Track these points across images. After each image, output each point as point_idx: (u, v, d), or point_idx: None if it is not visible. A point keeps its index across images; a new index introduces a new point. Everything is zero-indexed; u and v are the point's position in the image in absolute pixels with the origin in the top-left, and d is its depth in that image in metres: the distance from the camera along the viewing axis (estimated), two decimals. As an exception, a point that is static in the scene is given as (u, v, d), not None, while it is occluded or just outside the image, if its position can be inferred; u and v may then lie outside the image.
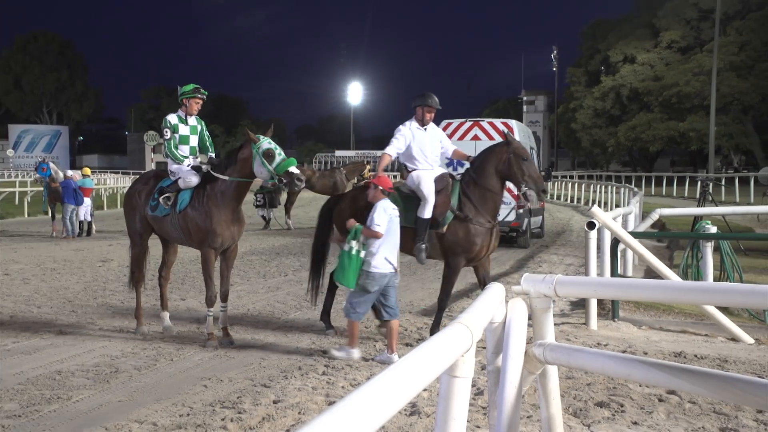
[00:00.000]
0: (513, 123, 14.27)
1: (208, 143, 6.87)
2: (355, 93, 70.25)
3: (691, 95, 43.40)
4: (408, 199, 6.55)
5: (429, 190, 6.47)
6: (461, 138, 14.03)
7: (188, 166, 6.57)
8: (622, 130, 48.52)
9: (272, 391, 5.05)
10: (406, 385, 1.79)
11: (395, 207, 5.94)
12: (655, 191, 32.64)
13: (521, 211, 13.61)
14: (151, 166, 34.39)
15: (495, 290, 2.99)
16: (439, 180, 6.63)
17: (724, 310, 6.67)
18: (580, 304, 7.71)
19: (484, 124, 14.12)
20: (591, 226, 7.18)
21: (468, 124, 14.09)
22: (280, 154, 5.99)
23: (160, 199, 6.48)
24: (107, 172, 53.76)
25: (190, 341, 6.57)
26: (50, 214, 17.13)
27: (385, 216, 5.75)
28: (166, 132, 6.64)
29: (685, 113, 44.65)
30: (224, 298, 6.53)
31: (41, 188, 18.61)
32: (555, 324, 4.67)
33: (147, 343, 6.48)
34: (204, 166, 6.53)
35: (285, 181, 5.92)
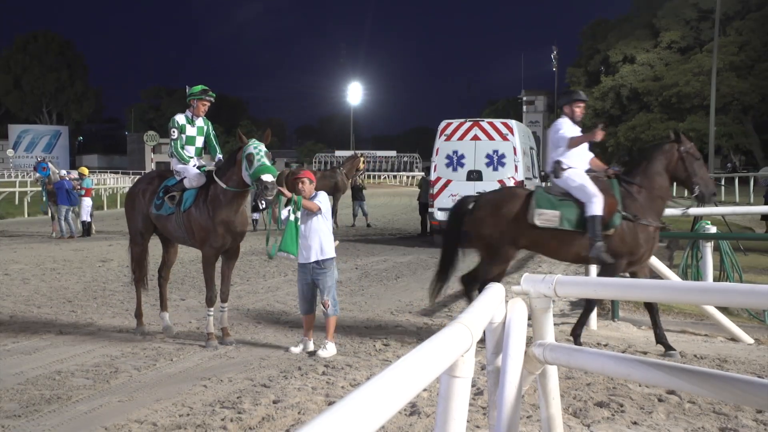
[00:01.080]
0: (513, 123, 14.27)
1: (215, 144, 6.84)
2: (355, 93, 70.28)
3: (691, 95, 43.40)
4: (565, 203, 6.10)
5: (593, 187, 6.02)
6: (461, 138, 14.04)
7: (193, 166, 6.56)
8: (621, 130, 48.52)
9: (272, 391, 5.04)
10: (406, 385, 1.78)
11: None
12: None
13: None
14: (151, 166, 34.42)
15: (495, 290, 2.99)
16: (595, 179, 6.20)
17: (723, 310, 6.67)
18: (580, 304, 7.71)
19: (484, 124, 14.12)
20: (591, 226, 7.16)
21: (468, 124, 14.09)
22: (259, 160, 5.88)
23: (166, 198, 6.47)
24: (107, 172, 53.76)
25: (190, 341, 6.57)
26: (50, 215, 17.14)
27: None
28: (173, 132, 6.61)
29: (685, 113, 44.66)
30: (224, 299, 6.53)
31: (41, 188, 18.60)
32: (555, 324, 4.67)
33: (147, 343, 6.48)
34: (208, 168, 6.53)
35: (259, 186, 5.80)
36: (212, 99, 6.70)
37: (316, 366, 5.72)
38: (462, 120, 14.20)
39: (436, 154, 14.19)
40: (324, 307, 6.06)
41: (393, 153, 73.25)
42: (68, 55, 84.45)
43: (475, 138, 13.93)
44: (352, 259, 12.36)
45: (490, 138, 13.87)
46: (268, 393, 4.99)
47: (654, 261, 6.95)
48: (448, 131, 14.17)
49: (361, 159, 19.12)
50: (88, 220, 16.54)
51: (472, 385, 4.22)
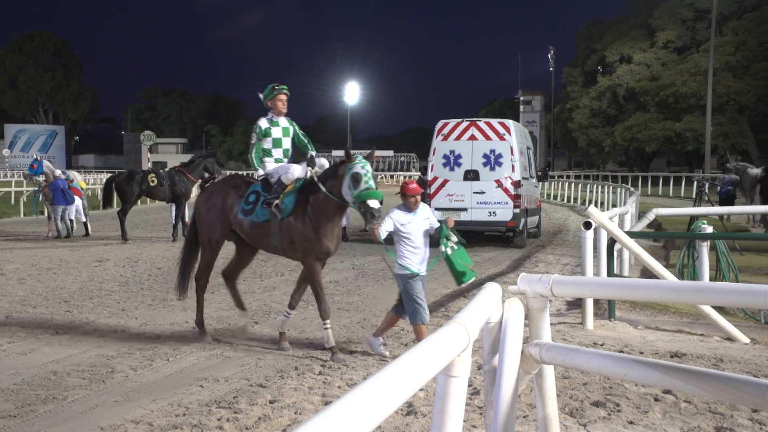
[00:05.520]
0: (510, 123, 14.27)
1: (305, 141, 6.54)
2: (352, 93, 70.31)
3: (687, 95, 43.44)
4: None
5: None
6: (458, 138, 14.04)
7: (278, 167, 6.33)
8: (618, 130, 48.55)
9: (268, 391, 5.04)
10: (403, 385, 1.79)
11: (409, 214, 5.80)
12: (651, 191, 32.72)
13: (517, 210, 13.63)
14: (147, 165, 34.31)
15: (491, 290, 2.99)
16: None
17: (719, 309, 6.68)
18: (577, 304, 7.72)
19: (481, 124, 14.13)
20: (587, 225, 7.18)
21: (465, 124, 14.09)
22: (366, 182, 5.57)
23: (260, 204, 6.18)
24: (103, 172, 53.65)
25: (186, 341, 6.56)
26: (46, 214, 17.09)
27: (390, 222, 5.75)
28: (252, 137, 6.45)
29: (682, 113, 44.69)
30: (293, 306, 6.36)
31: (36, 188, 18.53)
32: (551, 324, 4.67)
33: (143, 343, 6.46)
34: (308, 171, 6.24)
35: (362, 210, 5.58)
36: (286, 92, 6.45)
37: (312, 366, 5.71)
38: (459, 120, 14.20)
39: (433, 154, 14.19)
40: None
41: (390, 153, 73.23)
42: (64, 55, 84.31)
43: (472, 138, 13.93)
44: (348, 259, 12.35)
45: (487, 138, 13.88)
46: (265, 393, 4.98)
47: (650, 260, 6.97)
48: (445, 131, 14.17)
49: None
50: (83, 219, 16.52)
51: (469, 385, 4.23)
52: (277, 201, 6.07)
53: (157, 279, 10.26)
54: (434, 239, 5.85)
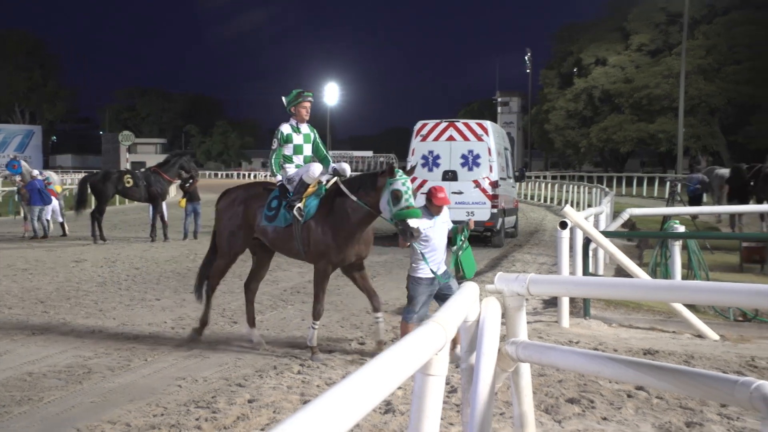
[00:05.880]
0: (488, 124, 14.40)
1: (324, 151, 6.41)
2: (331, 93, 70.35)
3: (661, 97, 44.20)
4: None
5: None
6: (437, 139, 14.13)
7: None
8: (594, 131, 49.20)
9: (247, 390, 5.05)
10: (381, 384, 1.81)
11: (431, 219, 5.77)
12: (625, 191, 33.22)
13: (495, 211, 13.76)
14: (126, 166, 33.95)
15: (469, 289, 3.04)
16: None
17: (691, 307, 6.82)
18: (553, 303, 7.83)
19: (459, 125, 14.24)
20: (563, 225, 7.29)
21: (443, 124, 14.18)
22: (407, 200, 5.50)
23: (283, 209, 6.08)
24: (80, 172, 52.92)
25: (165, 341, 6.53)
26: (22, 214, 16.85)
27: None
28: (273, 142, 6.34)
29: (655, 115, 45.44)
30: (378, 308, 6.18)
31: (14, 188, 18.23)
32: (528, 322, 4.74)
33: (120, 344, 6.42)
34: (330, 177, 6.11)
35: (400, 227, 5.50)
36: (311, 99, 6.36)
37: (291, 365, 5.73)
38: (438, 121, 14.29)
39: (412, 155, 14.27)
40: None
41: (370, 153, 73.30)
42: (40, 55, 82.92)
43: (451, 138, 14.03)
44: (327, 259, 12.36)
45: (465, 139, 13.98)
46: (243, 392, 4.99)
47: (625, 260, 7.09)
48: (424, 132, 14.26)
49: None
50: (59, 219, 16.33)
51: (447, 383, 4.28)
52: (299, 204, 5.98)
53: (135, 279, 10.18)
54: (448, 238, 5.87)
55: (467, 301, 2.95)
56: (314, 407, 1.48)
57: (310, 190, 6.05)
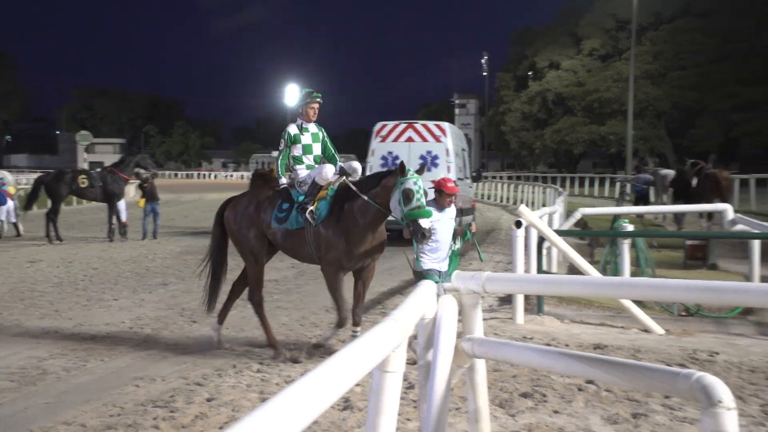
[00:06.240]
0: (446, 125, 14.58)
1: (332, 151, 6.25)
2: (291, 94, 70.21)
3: (611, 101, 45.47)
4: None
5: None
6: (396, 140, 14.24)
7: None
8: (548, 133, 50.28)
9: (206, 389, 5.05)
10: (338, 381, 1.85)
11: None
12: (578, 191, 34.05)
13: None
14: (83, 166, 33.12)
15: (427, 287, 3.13)
16: None
17: (639, 303, 7.08)
18: (508, 300, 8.01)
19: (418, 126, 14.39)
20: (518, 224, 7.48)
21: (402, 126, 14.31)
22: (419, 200, 5.39)
23: (294, 211, 5.91)
24: (36, 172, 51.36)
25: (122, 341, 6.46)
26: None
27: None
28: (280, 143, 6.22)
29: (606, 117, 46.71)
30: (357, 322, 5.96)
31: None
32: (483, 319, 4.87)
33: (77, 344, 6.32)
34: (341, 178, 5.97)
35: (411, 227, 5.41)
36: (320, 100, 6.24)
37: (250, 364, 5.74)
38: (397, 122, 14.40)
39: (372, 155, 14.35)
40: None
41: (329, 154, 72.62)
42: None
43: (410, 140, 14.17)
44: (288, 258, 12.31)
45: (424, 140, 14.14)
46: (202, 391, 4.99)
47: (577, 258, 7.32)
48: (384, 132, 14.37)
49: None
50: (12, 220, 15.92)
51: (404, 380, 4.36)
52: (311, 207, 5.84)
53: (93, 279, 9.99)
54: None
55: (425, 300, 3.03)
56: (272, 405, 1.50)
57: (322, 193, 5.93)
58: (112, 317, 7.49)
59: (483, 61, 63.20)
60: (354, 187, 5.77)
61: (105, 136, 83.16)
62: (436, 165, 14.02)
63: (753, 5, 42.05)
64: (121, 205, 15.28)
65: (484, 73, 63.51)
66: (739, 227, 8.68)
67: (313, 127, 6.28)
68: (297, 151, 6.19)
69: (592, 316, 7.57)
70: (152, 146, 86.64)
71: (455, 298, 3.22)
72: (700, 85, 42.91)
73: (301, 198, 5.96)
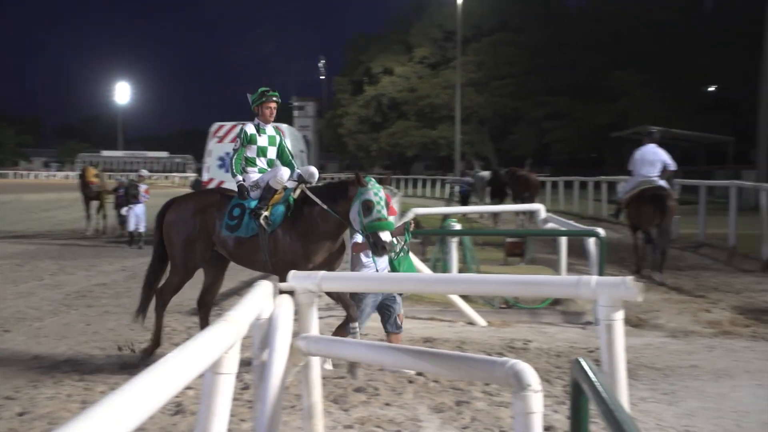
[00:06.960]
0: (284, 127, 14.51)
1: (289, 157, 5.89)
2: (122, 92, 66.01)
3: (441, 106, 48.19)
4: None
5: None
6: (233, 141, 13.93)
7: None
8: (383, 136, 52.05)
9: (18, 403, 4.62)
10: (166, 385, 1.81)
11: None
12: (411, 192, 35.56)
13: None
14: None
15: (263, 287, 3.13)
16: None
17: (465, 297, 7.56)
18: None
19: (256, 126, 14.20)
20: (353, 225, 7.64)
21: (240, 127, 14.04)
22: (379, 211, 5.05)
23: (246, 218, 5.39)
24: None
25: None
26: None
27: None
28: (236, 142, 5.67)
29: (436, 122, 49.39)
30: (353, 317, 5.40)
31: None
32: (322, 317, 4.95)
33: None
34: (298, 185, 5.53)
35: (371, 240, 5.03)
36: (276, 99, 5.77)
37: (71, 373, 5.34)
38: (234, 123, 14.08)
39: (209, 156, 13.96)
40: (399, 321, 5.52)
41: (165, 154, 69.91)
42: None
43: (248, 140, 13.96)
44: (118, 261, 11.73)
45: (262, 140, 14.00)
46: (13, 405, 4.57)
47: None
48: (221, 133, 14.04)
49: None
50: None
51: (240, 381, 4.32)
52: (266, 213, 5.43)
53: None
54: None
55: (261, 300, 3.04)
56: (92, 412, 1.42)
57: (276, 197, 5.56)
58: None
59: (320, 64, 63.96)
60: (312, 195, 5.46)
61: None
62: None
63: (558, 22, 46.71)
64: None
65: (322, 77, 64.32)
66: (550, 225, 9.55)
67: (270, 129, 5.94)
68: (251, 152, 5.80)
69: (423, 311, 7.93)
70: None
71: (292, 297, 3.25)
72: (517, 94, 46.88)
73: (253, 204, 5.59)
